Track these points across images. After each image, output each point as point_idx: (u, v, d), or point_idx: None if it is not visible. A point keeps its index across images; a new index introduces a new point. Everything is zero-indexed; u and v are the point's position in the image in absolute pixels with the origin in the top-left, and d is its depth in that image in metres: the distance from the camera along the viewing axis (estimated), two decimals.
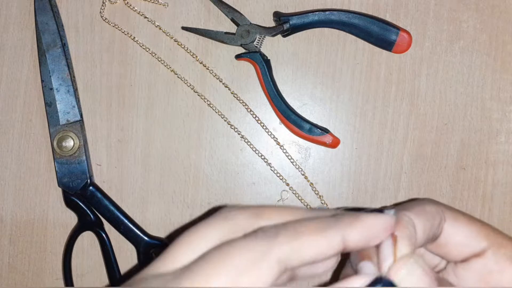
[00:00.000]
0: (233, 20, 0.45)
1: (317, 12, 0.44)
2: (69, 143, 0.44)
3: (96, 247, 0.46)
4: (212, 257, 0.22)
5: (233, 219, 0.24)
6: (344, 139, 0.46)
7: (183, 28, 0.46)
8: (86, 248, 0.46)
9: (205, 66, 0.46)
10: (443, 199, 0.46)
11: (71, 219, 0.46)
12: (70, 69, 0.45)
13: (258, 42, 0.45)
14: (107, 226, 0.45)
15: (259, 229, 0.24)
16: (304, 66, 0.46)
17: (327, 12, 0.44)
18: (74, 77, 0.45)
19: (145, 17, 0.46)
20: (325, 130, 0.45)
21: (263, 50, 0.45)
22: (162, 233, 0.46)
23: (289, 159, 0.46)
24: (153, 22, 0.46)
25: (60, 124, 0.45)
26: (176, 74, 0.46)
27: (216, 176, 0.46)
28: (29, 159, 0.46)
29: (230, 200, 0.46)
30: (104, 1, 0.46)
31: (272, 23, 0.45)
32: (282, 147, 0.46)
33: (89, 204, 0.45)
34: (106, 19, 0.46)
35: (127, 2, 0.46)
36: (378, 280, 0.22)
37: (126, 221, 0.45)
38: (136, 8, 0.46)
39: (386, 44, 0.44)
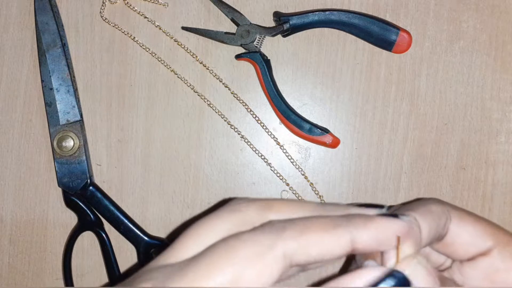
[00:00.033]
0: (233, 20, 0.45)
1: (317, 12, 0.44)
2: (69, 143, 0.44)
3: (96, 247, 0.46)
4: (217, 250, 0.22)
5: (242, 211, 0.24)
6: (344, 139, 0.46)
7: (183, 28, 0.46)
8: (86, 248, 0.46)
9: (205, 66, 0.46)
10: (443, 199, 0.46)
11: (71, 219, 0.46)
12: (70, 69, 0.45)
13: (258, 42, 0.45)
14: (107, 226, 0.45)
15: (267, 223, 0.23)
16: (304, 66, 0.46)
17: (327, 12, 0.44)
18: (74, 77, 0.45)
19: (145, 17, 0.46)
20: (325, 130, 0.45)
21: (263, 50, 0.45)
22: (162, 233, 0.46)
23: (289, 159, 0.46)
24: (153, 22, 0.46)
25: (60, 124, 0.45)
26: (176, 74, 0.46)
27: (216, 176, 0.46)
28: (29, 159, 0.46)
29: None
30: (104, 1, 0.46)
31: (272, 23, 0.45)
32: (282, 147, 0.46)
33: (89, 204, 0.45)
34: (106, 19, 0.46)
35: (127, 2, 0.46)
36: (391, 274, 0.22)
37: (126, 221, 0.45)
38: (136, 8, 0.46)
39: (386, 44, 0.44)
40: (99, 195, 0.45)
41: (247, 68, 0.46)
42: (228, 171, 0.46)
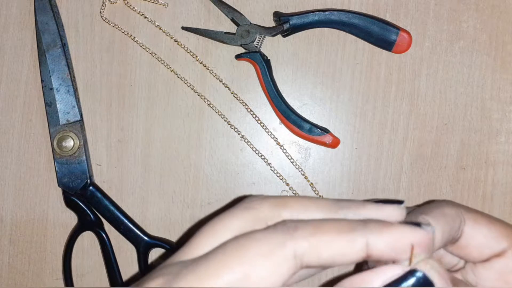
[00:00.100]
0: (233, 20, 0.45)
1: (317, 12, 0.44)
2: (69, 143, 0.44)
3: (96, 247, 0.46)
4: (227, 248, 0.22)
5: (256, 208, 0.24)
6: (344, 139, 0.46)
7: (183, 28, 0.46)
8: (86, 248, 0.46)
9: (205, 66, 0.46)
10: (443, 199, 0.46)
11: (71, 219, 0.46)
12: (70, 69, 0.45)
13: (258, 42, 0.45)
14: (107, 226, 0.45)
15: (280, 222, 0.23)
16: (304, 66, 0.46)
17: (327, 12, 0.44)
18: (74, 77, 0.45)
19: (145, 17, 0.46)
20: (325, 130, 0.45)
21: (263, 50, 0.45)
22: (162, 233, 0.46)
23: (289, 159, 0.46)
24: (153, 22, 0.46)
25: (60, 124, 0.45)
26: (176, 74, 0.46)
27: (216, 176, 0.46)
28: (29, 159, 0.46)
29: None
30: (104, 1, 0.46)
31: (272, 23, 0.45)
32: (282, 147, 0.46)
33: (89, 204, 0.45)
34: (106, 19, 0.46)
35: (127, 2, 0.46)
36: (411, 273, 0.22)
37: (126, 221, 0.45)
38: (136, 8, 0.46)
39: (386, 44, 0.44)
40: (99, 195, 0.45)
41: (247, 68, 0.46)
42: (228, 171, 0.46)
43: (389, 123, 0.46)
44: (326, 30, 0.46)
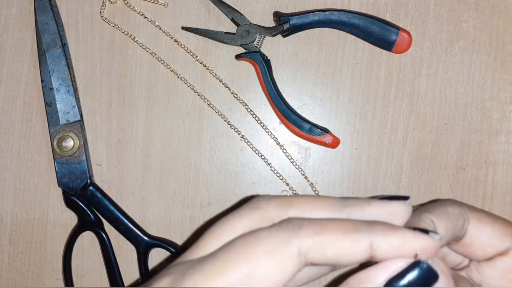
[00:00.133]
0: (233, 20, 0.45)
1: (317, 12, 0.44)
2: (69, 143, 0.44)
3: (96, 247, 0.46)
4: (233, 246, 0.22)
5: (263, 208, 0.24)
6: (344, 139, 0.46)
7: (183, 28, 0.46)
8: (86, 248, 0.46)
9: (205, 66, 0.46)
10: (443, 199, 0.46)
11: (71, 219, 0.46)
12: (70, 69, 0.45)
13: (258, 42, 0.45)
14: (107, 226, 0.45)
15: (285, 219, 0.23)
16: (304, 66, 0.46)
17: (327, 12, 0.44)
18: (74, 77, 0.45)
19: (145, 17, 0.46)
20: (325, 130, 0.45)
21: (263, 50, 0.45)
22: (162, 233, 0.46)
23: (289, 159, 0.46)
24: (153, 22, 0.46)
25: (60, 124, 0.45)
26: (176, 74, 0.46)
27: (216, 176, 0.46)
28: (29, 159, 0.46)
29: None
30: (104, 1, 0.46)
31: (272, 23, 0.45)
32: (282, 147, 0.46)
33: (89, 204, 0.45)
34: (106, 19, 0.46)
35: (127, 2, 0.46)
36: (416, 265, 0.22)
37: (126, 221, 0.45)
38: (136, 8, 0.46)
39: (386, 44, 0.44)
40: (99, 195, 0.45)
41: (247, 68, 0.46)
42: (228, 171, 0.46)
43: (389, 123, 0.46)
44: (326, 30, 0.46)
